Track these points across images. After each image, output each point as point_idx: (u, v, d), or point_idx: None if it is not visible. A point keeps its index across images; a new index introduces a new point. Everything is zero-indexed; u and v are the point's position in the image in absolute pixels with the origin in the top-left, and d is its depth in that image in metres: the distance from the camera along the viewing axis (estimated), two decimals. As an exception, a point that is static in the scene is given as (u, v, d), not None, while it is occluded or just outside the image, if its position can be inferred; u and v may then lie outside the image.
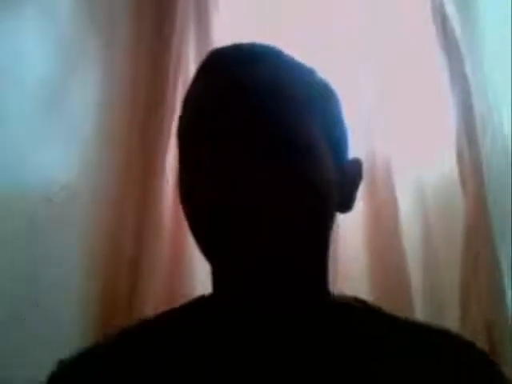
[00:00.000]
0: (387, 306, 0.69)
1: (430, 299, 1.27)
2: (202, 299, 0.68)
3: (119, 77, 1.31)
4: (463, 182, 1.27)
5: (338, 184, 0.63)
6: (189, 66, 1.34)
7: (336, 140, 0.64)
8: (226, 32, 1.35)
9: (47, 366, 0.65)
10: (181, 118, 0.64)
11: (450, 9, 1.31)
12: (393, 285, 1.24)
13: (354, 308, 0.67)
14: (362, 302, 0.69)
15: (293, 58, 0.65)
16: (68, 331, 1.12)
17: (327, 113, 0.64)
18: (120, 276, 1.25)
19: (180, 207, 0.62)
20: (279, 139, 0.57)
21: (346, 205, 0.66)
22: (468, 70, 1.28)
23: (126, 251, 1.26)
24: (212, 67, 0.62)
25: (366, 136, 1.31)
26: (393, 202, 1.28)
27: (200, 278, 1.23)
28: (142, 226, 1.26)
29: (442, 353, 0.63)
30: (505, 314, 1.20)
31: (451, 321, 1.22)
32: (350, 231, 1.28)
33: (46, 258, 1.12)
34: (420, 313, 1.23)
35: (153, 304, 1.22)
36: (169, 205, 1.28)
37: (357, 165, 0.68)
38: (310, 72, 0.66)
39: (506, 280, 1.22)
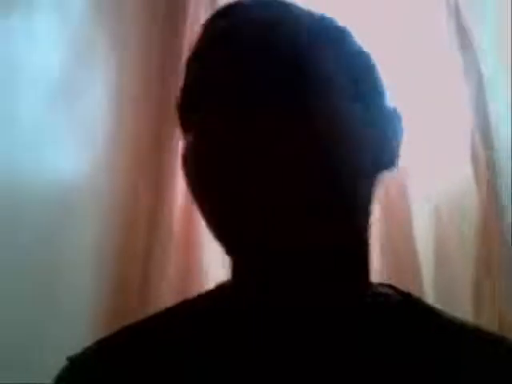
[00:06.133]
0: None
1: (443, 298, 1.26)
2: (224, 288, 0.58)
3: (131, 76, 1.32)
4: (477, 180, 1.27)
5: (373, 132, 0.52)
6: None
7: (359, 74, 0.54)
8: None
9: (57, 367, 0.63)
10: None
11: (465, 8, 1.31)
12: (405, 283, 1.23)
13: (398, 305, 0.57)
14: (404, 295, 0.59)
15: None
16: (80, 330, 1.13)
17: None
18: (132, 274, 1.25)
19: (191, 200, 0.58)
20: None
21: (390, 160, 0.54)
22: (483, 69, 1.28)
23: (138, 248, 1.27)
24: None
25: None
26: (405, 199, 1.28)
27: (212, 273, 1.23)
28: (155, 222, 1.27)
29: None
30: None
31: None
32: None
33: (59, 258, 1.13)
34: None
35: (164, 303, 1.22)
36: (181, 198, 1.28)
37: (398, 115, 0.56)
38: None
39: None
